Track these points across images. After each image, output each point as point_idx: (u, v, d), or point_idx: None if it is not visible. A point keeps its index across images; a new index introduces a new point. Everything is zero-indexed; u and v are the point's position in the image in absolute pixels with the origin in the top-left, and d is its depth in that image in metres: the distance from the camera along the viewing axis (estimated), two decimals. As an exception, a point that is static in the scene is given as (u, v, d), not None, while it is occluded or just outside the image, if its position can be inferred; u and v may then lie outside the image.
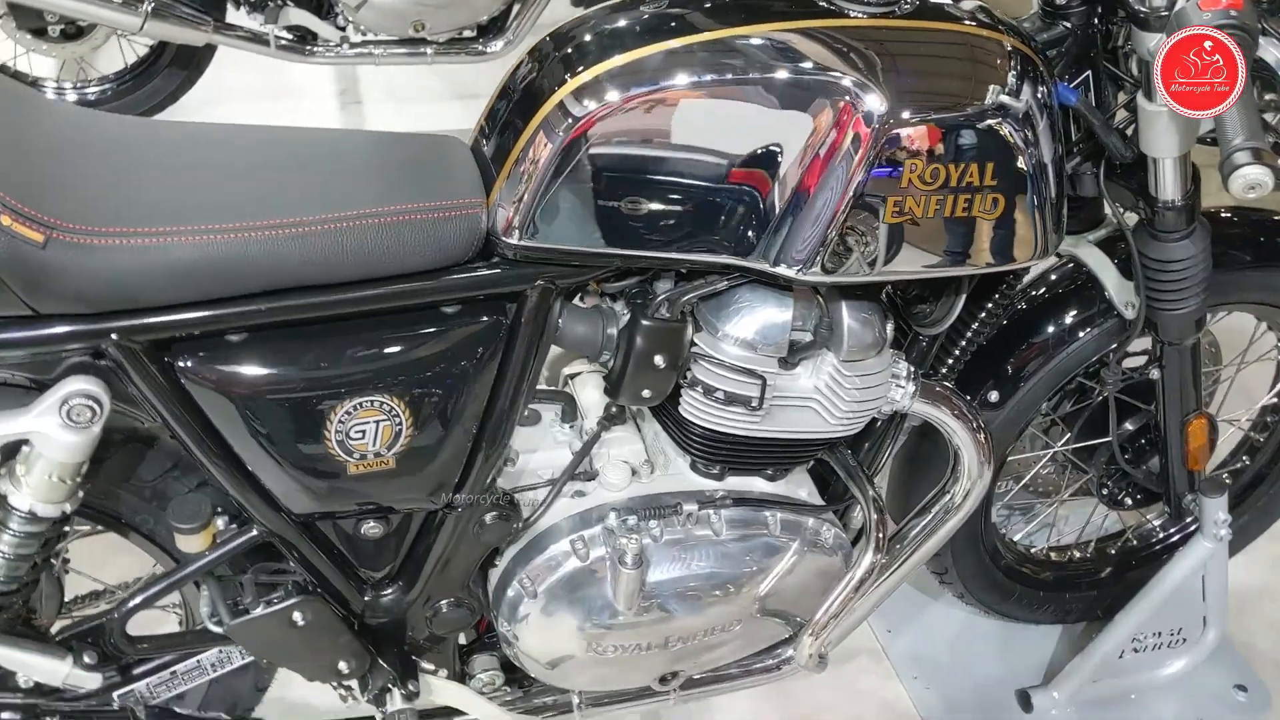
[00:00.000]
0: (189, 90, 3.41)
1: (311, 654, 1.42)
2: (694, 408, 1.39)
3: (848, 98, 1.21)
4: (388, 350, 1.25)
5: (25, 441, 1.19)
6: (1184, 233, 1.53)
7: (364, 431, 1.27)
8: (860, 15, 1.26)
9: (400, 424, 1.28)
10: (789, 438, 1.44)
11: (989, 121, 1.26)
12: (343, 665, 1.44)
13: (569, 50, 1.25)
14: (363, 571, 1.44)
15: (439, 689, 1.54)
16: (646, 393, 1.38)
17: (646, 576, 1.44)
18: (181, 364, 1.19)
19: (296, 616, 1.36)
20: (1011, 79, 1.28)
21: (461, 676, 1.60)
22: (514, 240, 1.24)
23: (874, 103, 1.21)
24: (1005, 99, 1.27)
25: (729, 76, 1.20)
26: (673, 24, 1.22)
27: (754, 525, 1.50)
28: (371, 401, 1.25)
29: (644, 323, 1.32)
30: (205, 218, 1.16)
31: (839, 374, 1.38)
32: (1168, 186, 1.48)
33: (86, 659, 1.34)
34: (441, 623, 1.49)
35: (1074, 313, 1.72)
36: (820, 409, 1.42)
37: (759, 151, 1.22)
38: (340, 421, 1.25)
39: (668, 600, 1.47)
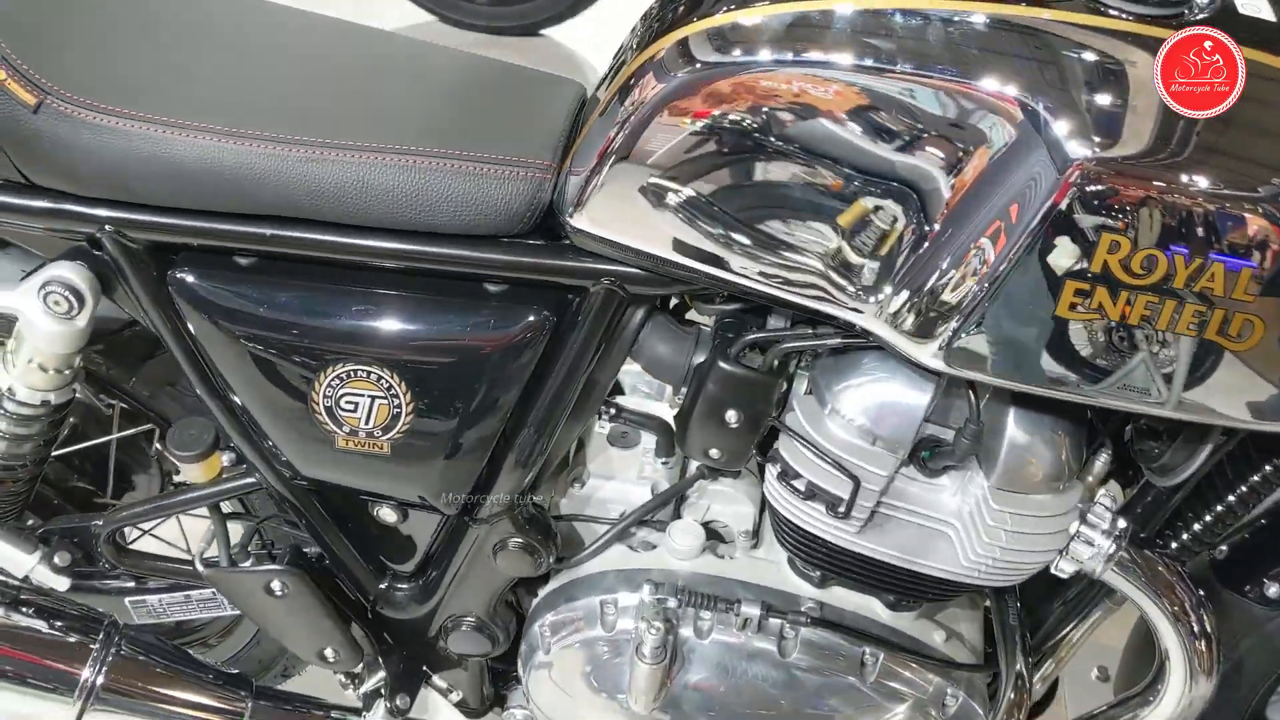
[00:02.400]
0: (579, 14, 3.35)
1: (290, 629, 1.25)
2: (773, 489, 1.06)
3: (1034, 124, 0.82)
4: (398, 318, 1.03)
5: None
6: None
7: (355, 405, 1.06)
8: (1125, 16, 0.85)
9: (399, 407, 1.06)
10: (904, 565, 1.07)
11: (1272, 208, 0.82)
12: (329, 651, 1.26)
13: None
14: (381, 558, 1.25)
15: (442, 713, 1.33)
16: (714, 452, 1.07)
17: (676, 675, 1.14)
18: (179, 276, 1.05)
19: (275, 585, 1.20)
20: None
21: (496, 701, 1.39)
22: (575, 221, 0.97)
23: (1074, 140, 0.81)
24: (1316, 177, 0.82)
25: (897, 64, 0.85)
26: None
27: (838, 659, 1.14)
28: (368, 373, 1.05)
29: (721, 364, 1.01)
30: (219, 117, 0.99)
31: (986, 503, 1.00)
32: None
33: (58, 560, 1.26)
34: (457, 641, 1.27)
35: None
36: (957, 541, 1.04)
37: (899, 175, 0.87)
38: (330, 386, 1.06)
39: (695, 713, 1.16)
